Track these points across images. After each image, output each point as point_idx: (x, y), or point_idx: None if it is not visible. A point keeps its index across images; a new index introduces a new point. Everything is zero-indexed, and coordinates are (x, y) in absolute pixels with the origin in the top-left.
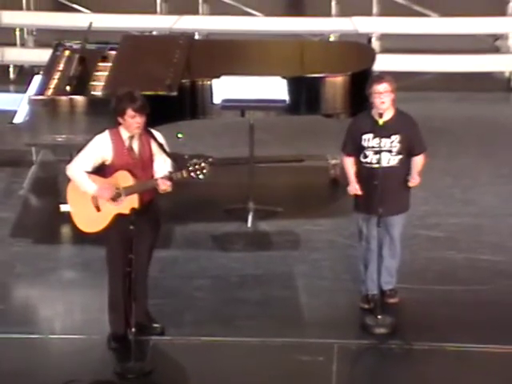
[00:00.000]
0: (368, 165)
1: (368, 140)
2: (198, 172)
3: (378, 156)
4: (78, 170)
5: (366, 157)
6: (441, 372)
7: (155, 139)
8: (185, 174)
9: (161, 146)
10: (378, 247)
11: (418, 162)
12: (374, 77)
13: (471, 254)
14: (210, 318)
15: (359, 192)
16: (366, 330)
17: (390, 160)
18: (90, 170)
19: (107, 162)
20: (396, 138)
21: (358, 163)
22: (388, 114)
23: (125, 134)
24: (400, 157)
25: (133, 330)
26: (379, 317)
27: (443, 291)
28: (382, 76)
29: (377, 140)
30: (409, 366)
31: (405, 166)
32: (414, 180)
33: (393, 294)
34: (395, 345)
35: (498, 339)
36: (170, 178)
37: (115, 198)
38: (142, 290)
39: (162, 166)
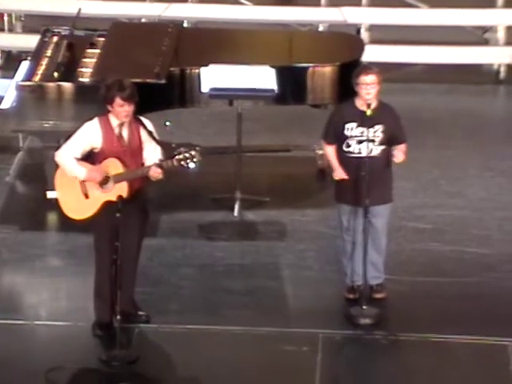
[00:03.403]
0: (350, 154)
1: (351, 129)
2: (189, 161)
3: (360, 145)
4: (67, 156)
5: (348, 146)
6: (425, 363)
7: (145, 127)
8: (175, 162)
9: (150, 133)
10: (364, 239)
11: (401, 147)
12: (362, 67)
13: (457, 246)
14: (195, 307)
15: (345, 176)
16: (351, 321)
17: (373, 150)
18: (79, 156)
19: (96, 150)
20: (379, 128)
21: (340, 153)
22: (372, 105)
23: (114, 121)
24: (382, 147)
25: (118, 317)
26: (364, 307)
27: (429, 283)
28: (370, 67)
29: (360, 129)
30: (393, 356)
31: (386, 157)
32: (399, 155)
33: (379, 290)
34: (380, 335)
35: (482, 331)
36: (160, 166)
37: (103, 183)
38: (129, 279)
39: (153, 153)
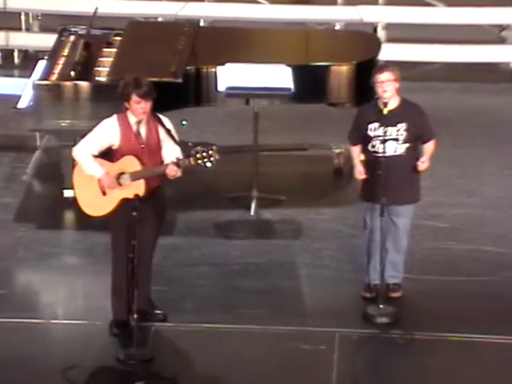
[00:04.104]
0: (375, 154)
1: (374, 129)
2: (206, 160)
3: (384, 145)
4: (85, 152)
5: (373, 146)
6: (442, 362)
7: (163, 125)
8: (192, 161)
9: (168, 131)
10: (382, 238)
11: (428, 147)
12: (377, 66)
13: (474, 245)
14: (211, 306)
15: (363, 176)
16: (368, 320)
17: (397, 148)
18: (96, 153)
19: (114, 147)
20: (402, 127)
21: (366, 152)
22: (393, 103)
23: (132, 118)
24: (407, 145)
25: (135, 316)
26: (381, 306)
27: (445, 282)
28: (385, 65)
29: (383, 129)
30: (410, 355)
31: (412, 155)
32: (424, 163)
33: (396, 289)
34: (397, 334)
35: (499, 330)
36: (177, 164)
37: (117, 179)
38: (145, 277)
39: (171, 152)
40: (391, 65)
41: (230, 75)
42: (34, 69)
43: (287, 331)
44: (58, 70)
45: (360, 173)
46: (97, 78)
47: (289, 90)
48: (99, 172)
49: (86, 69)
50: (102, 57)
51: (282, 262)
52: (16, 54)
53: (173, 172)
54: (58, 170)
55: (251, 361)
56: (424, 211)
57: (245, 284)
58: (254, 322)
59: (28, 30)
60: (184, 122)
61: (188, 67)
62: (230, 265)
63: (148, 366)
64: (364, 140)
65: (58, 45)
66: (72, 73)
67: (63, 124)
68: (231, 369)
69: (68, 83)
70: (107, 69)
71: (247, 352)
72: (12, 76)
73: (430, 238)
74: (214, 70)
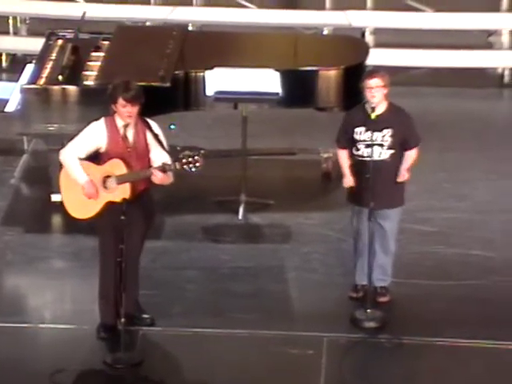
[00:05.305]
0: (360, 158)
1: (360, 133)
2: (191, 165)
3: (369, 149)
4: (71, 155)
5: (357, 150)
6: (430, 367)
7: (151, 129)
8: (178, 166)
9: (156, 136)
10: (369, 241)
11: (410, 156)
12: (367, 71)
13: (462, 249)
14: (199, 310)
15: (353, 184)
16: (356, 324)
17: (382, 154)
18: (83, 156)
19: (101, 150)
20: (388, 132)
21: (351, 156)
22: (380, 108)
23: (120, 122)
24: (392, 151)
25: (122, 320)
26: (369, 311)
27: (433, 286)
28: (375, 71)
29: (368, 133)
30: (398, 360)
31: (397, 161)
32: (402, 176)
33: (384, 293)
34: (385, 339)
35: (487, 335)
36: (162, 169)
37: (103, 183)
38: (132, 281)
39: (160, 156)
40: (380, 70)
41: (218, 79)
42: (21, 73)
43: (275, 335)
44: (45, 74)
45: (350, 182)
46: (85, 83)
47: (277, 94)
48: (83, 179)
49: (73, 73)
50: (90, 61)
51: (271, 266)
52: (4, 57)
53: (159, 176)
54: (45, 174)
55: (239, 365)
56: (412, 215)
57: (233, 288)
58: (242, 326)
59: (16, 33)
60: (172, 127)
61: (176, 71)
62: (218, 269)
63: (136, 370)
64: (350, 144)
65: (46, 49)
66: (60, 77)
67: (51, 128)
68: (219, 373)
69: (56, 87)
70: (95, 73)
71: (235, 356)
72: (0, 80)
73: (419, 242)
74: (202, 74)
